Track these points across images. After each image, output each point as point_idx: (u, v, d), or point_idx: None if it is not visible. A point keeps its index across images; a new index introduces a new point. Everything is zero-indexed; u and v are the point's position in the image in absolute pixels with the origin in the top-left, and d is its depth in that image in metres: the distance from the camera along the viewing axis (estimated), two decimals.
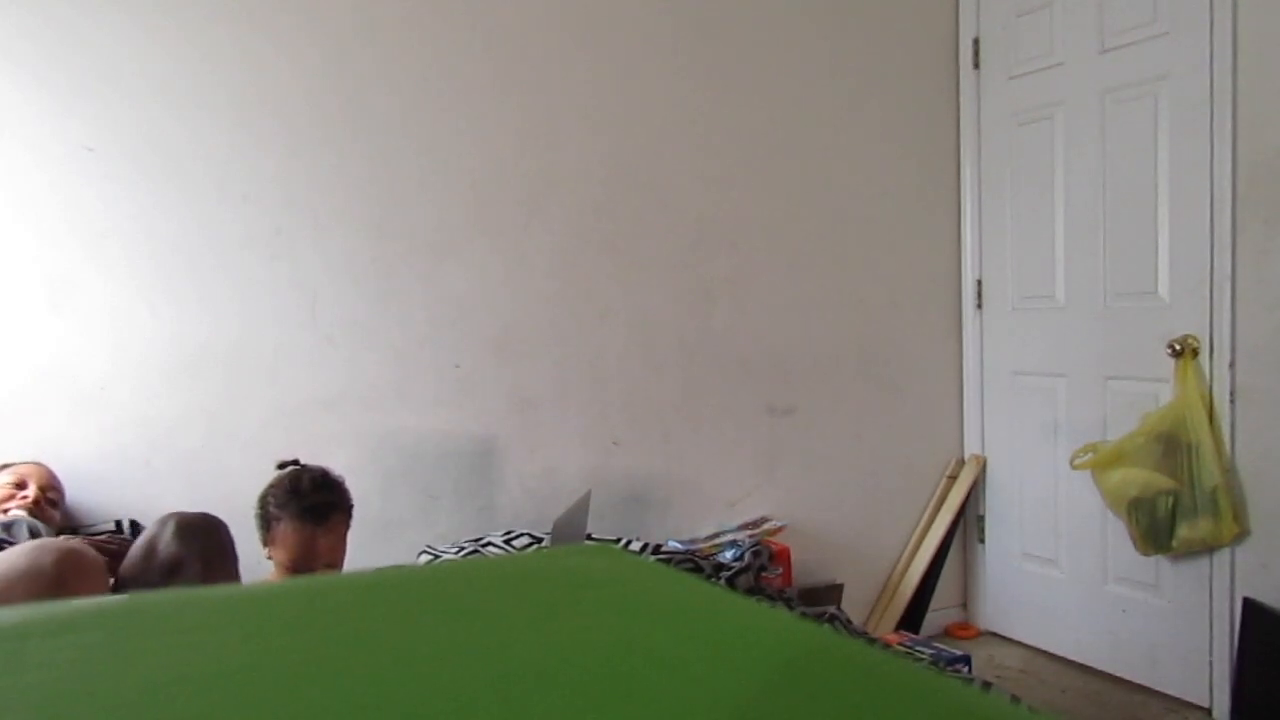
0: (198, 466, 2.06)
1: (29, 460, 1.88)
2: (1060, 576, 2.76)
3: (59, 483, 1.87)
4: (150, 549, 1.47)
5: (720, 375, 2.65)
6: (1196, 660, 2.39)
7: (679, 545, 2.43)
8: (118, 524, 1.92)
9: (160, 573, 1.44)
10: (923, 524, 2.97)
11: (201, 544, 1.47)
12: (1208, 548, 2.33)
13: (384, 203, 2.24)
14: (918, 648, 2.47)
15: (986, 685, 2.16)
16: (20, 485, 1.80)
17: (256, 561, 2.07)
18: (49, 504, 1.82)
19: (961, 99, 2.99)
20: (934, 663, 2.35)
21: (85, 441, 1.96)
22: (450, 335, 2.31)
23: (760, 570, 2.31)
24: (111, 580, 1.51)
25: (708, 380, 2.63)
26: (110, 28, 1.98)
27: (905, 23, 2.91)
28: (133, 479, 1.99)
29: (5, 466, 1.85)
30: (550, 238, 2.42)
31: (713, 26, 2.62)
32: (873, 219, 2.88)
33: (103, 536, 1.81)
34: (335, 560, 1.75)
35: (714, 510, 2.64)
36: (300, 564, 1.66)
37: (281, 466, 1.77)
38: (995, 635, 2.98)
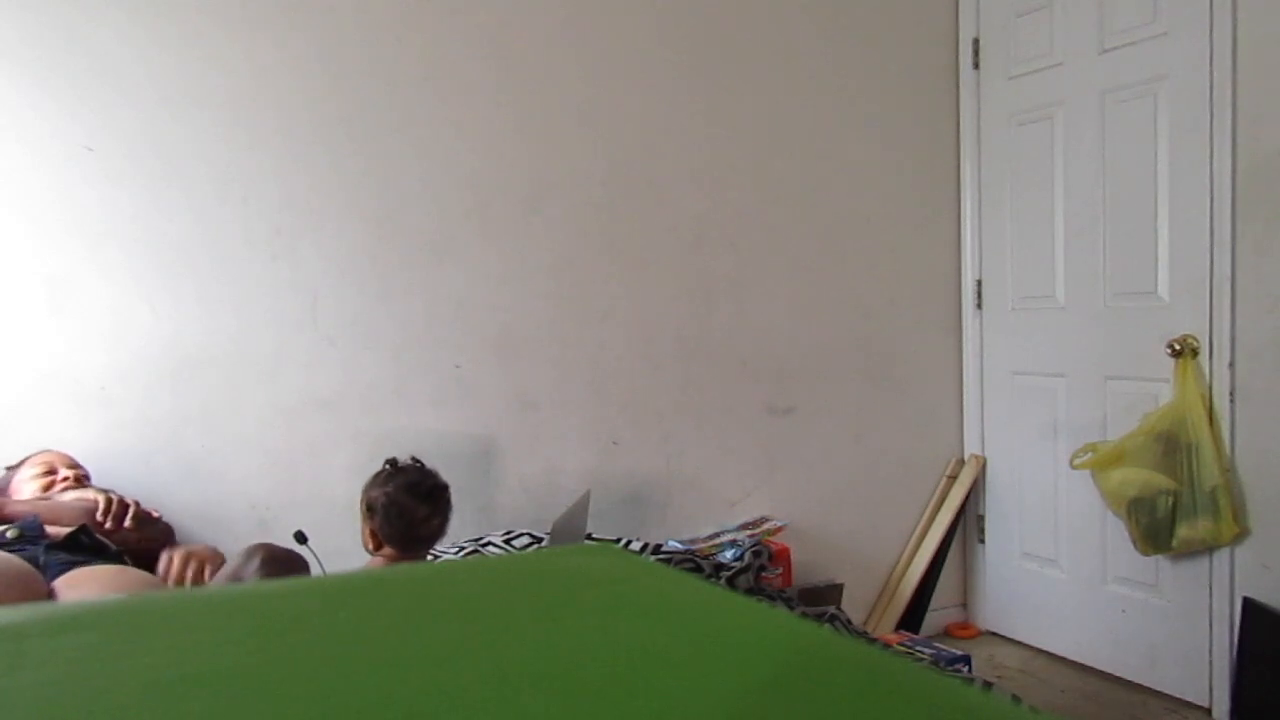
0: (198, 466, 2.06)
1: (41, 450, 1.88)
2: (1060, 576, 2.76)
3: (78, 461, 1.89)
4: (233, 577, 1.49)
5: (720, 375, 2.65)
6: (1196, 660, 2.39)
7: (679, 545, 2.43)
8: None
9: None
10: (923, 524, 2.97)
11: (285, 575, 1.49)
12: (1208, 548, 2.33)
13: (384, 203, 2.24)
14: (918, 648, 2.47)
15: (986, 685, 2.16)
16: (51, 472, 1.82)
17: None
18: (85, 480, 1.86)
19: (961, 99, 2.99)
20: (934, 663, 2.35)
21: (86, 441, 1.96)
22: (450, 335, 2.31)
23: (760, 570, 2.31)
24: None
25: (707, 380, 2.63)
26: (110, 29, 1.98)
27: (905, 23, 2.91)
28: (133, 478, 1.99)
29: (21, 462, 1.85)
30: (550, 238, 2.42)
31: (712, 27, 2.62)
32: (873, 219, 2.88)
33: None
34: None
35: (714, 510, 2.64)
36: None
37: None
38: (995, 635, 2.98)
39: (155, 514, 1.84)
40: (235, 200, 2.10)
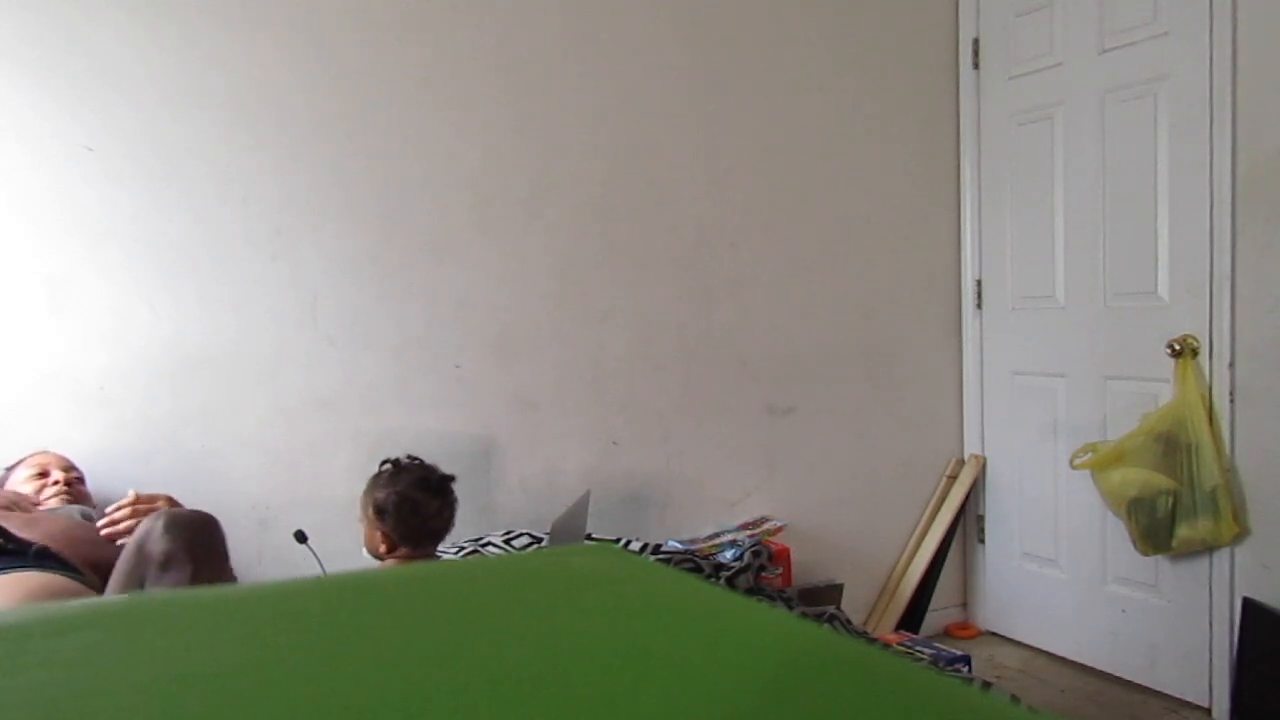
0: (198, 466, 2.06)
1: (37, 451, 1.89)
2: (1060, 576, 2.76)
3: (75, 464, 1.88)
4: (140, 545, 1.46)
5: (720, 375, 2.65)
6: (1196, 660, 2.39)
7: (679, 545, 2.43)
8: None
9: (152, 568, 1.43)
10: (923, 524, 2.97)
11: (190, 538, 1.45)
12: (1207, 548, 2.33)
13: (384, 203, 2.24)
14: (918, 648, 2.47)
15: (986, 685, 2.17)
16: (44, 474, 1.81)
17: (257, 560, 2.07)
18: (78, 483, 1.84)
19: (961, 99, 2.99)
20: (934, 663, 2.35)
21: (85, 441, 1.96)
22: (450, 335, 2.31)
23: (760, 570, 2.31)
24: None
25: (708, 380, 2.63)
26: (110, 28, 1.98)
27: (905, 23, 2.91)
28: (133, 478, 1.99)
29: (18, 463, 1.85)
30: (550, 238, 2.42)
31: (713, 26, 2.62)
32: (873, 219, 2.88)
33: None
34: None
35: (714, 510, 2.64)
36: None
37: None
38: (995, 635, 2.98)
39: (160, 502, 1.76)
40: (235, 200, 2.10)
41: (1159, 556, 2.44)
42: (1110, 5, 2.54)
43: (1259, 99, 2.21)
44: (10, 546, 1.54)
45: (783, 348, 2.74)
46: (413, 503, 1.75)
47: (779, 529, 2.61)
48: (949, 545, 2.96)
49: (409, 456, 1.86)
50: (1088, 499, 2.62)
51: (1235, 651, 2.27)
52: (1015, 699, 2.12)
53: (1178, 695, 2.45)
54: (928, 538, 2.92)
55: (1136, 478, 2.37)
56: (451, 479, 1.83)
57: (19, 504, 1.72)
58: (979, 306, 2.99)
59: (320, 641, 0.42)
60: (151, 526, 1.45)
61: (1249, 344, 2.25)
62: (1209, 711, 2.37)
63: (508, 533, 2.24)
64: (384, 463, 1.84)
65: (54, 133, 1.94)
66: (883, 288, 2.90)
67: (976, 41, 2.95)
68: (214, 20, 2.07)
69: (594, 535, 2.33)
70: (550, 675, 0.37)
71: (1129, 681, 2.57)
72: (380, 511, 1.75)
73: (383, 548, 1.77)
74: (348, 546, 2.03)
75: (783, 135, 2.73)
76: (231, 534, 1.90)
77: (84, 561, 1.61)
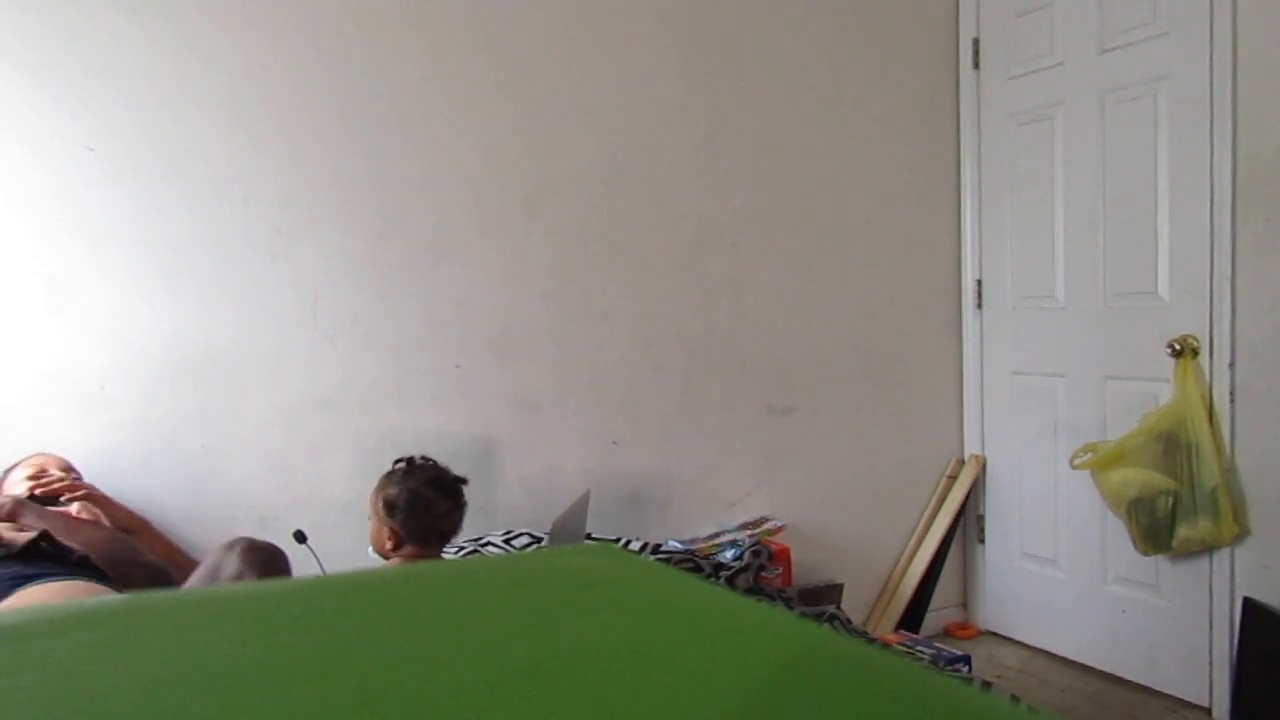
0: (197, 466, 2.06)
1: (36, 452, 1.89)
2: (1060, 576, 2.76)
3: (73, 465, 1.88)
4: (214, 571, 1.49)
5: (720, 375, 2.65)
6: (1196, 660, 2.39)
7: (679, 545, 2.43)
8: None
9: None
10: (923, 524, 2.97)
11: (263, 563, 1.49)
12: (1208, 548, 2.33)
13: (384, 203, 2.24)
14: (918, 647, 2.47)
15: (986, 685, 2.17)
16: (41, 473, 1.81)
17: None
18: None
19: (961, 99, 2.99)
20: (934, 662, 2.35)
21: (85, 442, 1.96)
22: (450, 335, 2.31)
23: (759, 570, 2.31)
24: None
25: (708, 380, 2.63)
26: (110, 28, 1.98)
27: (905, 23, 2.91)
28: (133, 479, 1.99)
29: (15, 465, 1.86)
30: (550, 238, 2.42)
31: (713, 26, 2.62)
32: (873, 219, 2.88)
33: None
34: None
35: (714, 510, 2.64)
36: None
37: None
38: (995, 635, 2.98)
39: (81, 491, 1.79)
40: (235, 200, 2.10)
41: (1159, 556, 2.44)
42: (1110, 5, 2.54)
43: (1259, 99, 2.21)
44: (51, 550, 1.55)
45: (783, 348, 2.74)
46: (425, 501, 1.76)
47: (779, 529, 2.61)
48: (949, 545, 2.96)
49: (422, 457, 1.86)
50: (1088, 499, 2.62)
51: (1235, 651, 2.27)
52: (1015, 699, 2.12)
53: (1178, 695, 2.45)
54: (928, 538, 2.92)
55: (1136, 478, 2.37)
56: (464, 481, 1.84)
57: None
58: (979, 306, 2.99)
59: (320, 641, 0.42)
60: (227, 555, 1.50)
61: (1249, 344, 2.25)
62: (1209, 711, 2.37)
63: (508, 533, 2.24)
64: (397, 460, 1.84)
65: (54, 133, 1.94)
66: (883, 288, 2.90)
67: (976, 41, 2.95)
68: (214, 20, 2.07)
69: (594, 535, 2.33)
70: (550, 674, 0.37)
71: (1129, 681, 2.57)
72: (391, 507, 1.75)
73: (389, 545, 1.77)
74: (348, 547, 2.03)
75: (783, 135, 2.73)
76: (231, 535, 1.90)
77: (113, 573, 1.62)
